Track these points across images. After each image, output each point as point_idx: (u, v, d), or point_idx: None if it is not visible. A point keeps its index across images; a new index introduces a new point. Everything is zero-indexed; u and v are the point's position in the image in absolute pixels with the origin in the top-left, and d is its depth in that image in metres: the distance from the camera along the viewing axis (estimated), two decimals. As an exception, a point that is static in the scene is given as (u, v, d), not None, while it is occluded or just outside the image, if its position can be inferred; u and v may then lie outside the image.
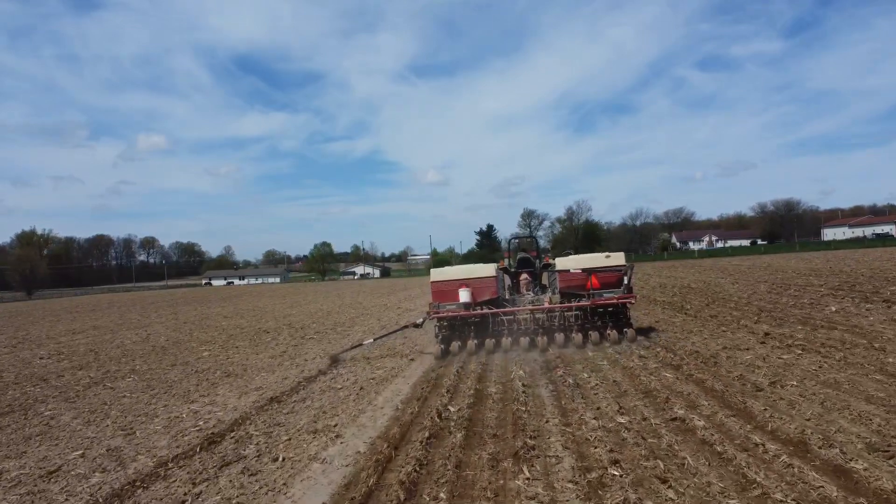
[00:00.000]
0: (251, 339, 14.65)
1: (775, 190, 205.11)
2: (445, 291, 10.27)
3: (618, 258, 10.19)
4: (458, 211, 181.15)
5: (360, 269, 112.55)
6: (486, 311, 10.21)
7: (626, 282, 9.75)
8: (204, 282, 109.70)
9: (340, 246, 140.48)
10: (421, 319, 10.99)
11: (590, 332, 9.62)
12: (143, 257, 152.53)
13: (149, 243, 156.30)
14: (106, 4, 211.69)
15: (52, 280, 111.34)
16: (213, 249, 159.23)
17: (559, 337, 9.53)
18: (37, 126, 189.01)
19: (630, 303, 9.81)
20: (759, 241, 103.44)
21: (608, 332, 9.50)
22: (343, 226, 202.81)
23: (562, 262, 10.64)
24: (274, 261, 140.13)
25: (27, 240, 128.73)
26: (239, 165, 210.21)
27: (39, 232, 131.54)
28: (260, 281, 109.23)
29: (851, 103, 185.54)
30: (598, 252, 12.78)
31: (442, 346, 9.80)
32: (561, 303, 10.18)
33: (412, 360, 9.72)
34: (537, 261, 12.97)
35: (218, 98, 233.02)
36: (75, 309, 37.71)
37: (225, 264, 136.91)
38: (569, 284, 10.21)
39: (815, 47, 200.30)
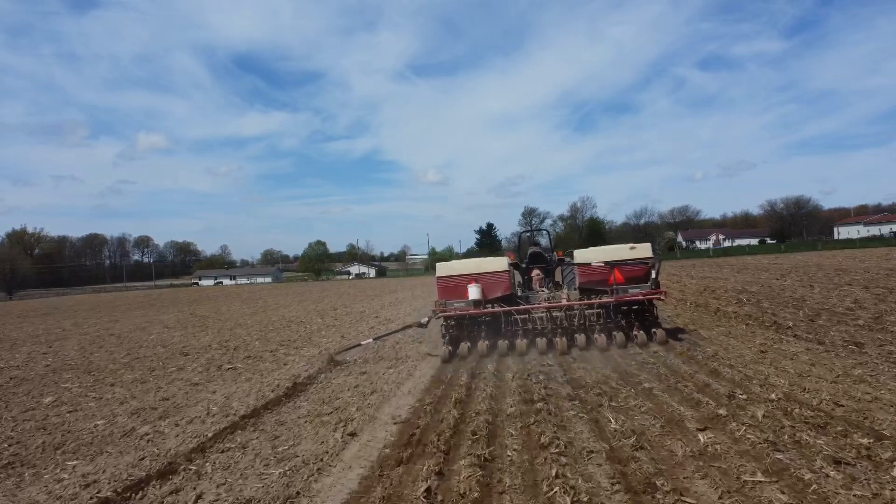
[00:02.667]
0: (152, 367, 10.20)
1: (776, 190, 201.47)
2: (453, 287, 9.37)
3: (644, 249, 9.19)
4: (458, 210, 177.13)
5: (354, 269, 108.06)
6: (498, 309, 9.18)
7: (653, 276, 8.68)
8: (192, 282, 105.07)
9: (339, 245, 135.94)
10: (426, 318, 9.75)
11: (614, 333, 8.63)
12: (136, 256, 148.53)
13: (143, 242, 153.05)
14: (105, 3, 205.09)
15: (41, 280, 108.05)
16: (210, 249, 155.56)
17: (580, 338, 8.61)
18: (36, 125, 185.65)
19: (660, 299, 8.83)
20: (769, 240, 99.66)
21: (635, 332, 8.61)
22: (343, 225, 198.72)
23: (581, 255, 9.63)
24: (272, 260, 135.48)
25: (17, 238, 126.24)
26: (239, 164, 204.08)
27: (30, 231, 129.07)
28: (248, 281, 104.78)
29: (853, 103, 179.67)
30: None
31: (449, 348, 8.89)
32: (580, 300, 9.25)
33: (352, 435, 5.23)
34: (550, 255, 11.94)
35: (218, 97, 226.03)
36: (30, 312, 33.39)
37: (216, 264, 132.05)
38: (589, 279, 9.27)
39: (816, 47, 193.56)
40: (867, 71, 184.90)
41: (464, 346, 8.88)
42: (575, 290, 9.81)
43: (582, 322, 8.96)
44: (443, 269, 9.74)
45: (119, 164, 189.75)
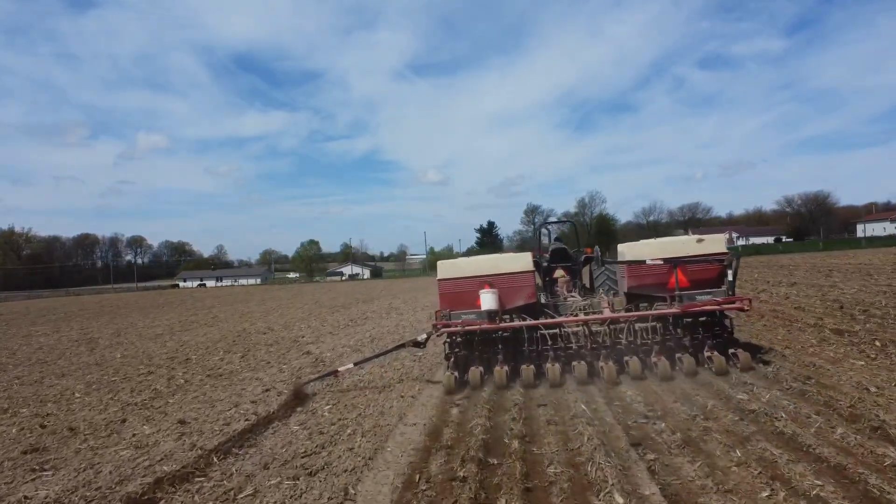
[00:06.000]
0: None
1: (775, 189, 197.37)
2: (460, 293, 7.31)
3: (715, 243, 7.06)
4: (458, 210, 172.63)
5: (347, 270, 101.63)
6: (521, 322, 7.11)
7: (729, 278, 6.65)
8: (171, 284, 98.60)
9: (337, 245, 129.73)
10: (424, 335, 7.39)
11: (679, 356, 6.54)
12: (129, 257, 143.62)
13: (136, 242, 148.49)
14: (103, 3, 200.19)
15: (31, 280, 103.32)
16: (208, 249, 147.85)
17: (633, 362, 6.43)
18: (36, 125, 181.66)
19: (742, 309, 6.48)
20: (784, 238, 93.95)
21: (707, 353, 6.48)
22: (342, 225, 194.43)
23: (631, 250, 7.52)
24: (269, 260, 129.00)
25: (5, 239, 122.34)
26: (238, 164, 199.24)
27: (18, 230, 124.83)
28: (231, 282, 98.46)
29: (853, 102, 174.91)
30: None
31: (455, 375, 6.72)
32: (629, 309, 7.26)
33: None
34: (576, 252, 10.00)
35: (217, 96, 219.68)
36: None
37: (204, 264, 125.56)
38: (642, 282, 7.22)
39: (816, 45, 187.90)
40: (868, 70, 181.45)
41: (475, 372, 6.70)
42: (614, 295, 8.06)
43: (632, 340, 6.84)
44: (447, 269, 7.52)
45: (119, 164, 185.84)
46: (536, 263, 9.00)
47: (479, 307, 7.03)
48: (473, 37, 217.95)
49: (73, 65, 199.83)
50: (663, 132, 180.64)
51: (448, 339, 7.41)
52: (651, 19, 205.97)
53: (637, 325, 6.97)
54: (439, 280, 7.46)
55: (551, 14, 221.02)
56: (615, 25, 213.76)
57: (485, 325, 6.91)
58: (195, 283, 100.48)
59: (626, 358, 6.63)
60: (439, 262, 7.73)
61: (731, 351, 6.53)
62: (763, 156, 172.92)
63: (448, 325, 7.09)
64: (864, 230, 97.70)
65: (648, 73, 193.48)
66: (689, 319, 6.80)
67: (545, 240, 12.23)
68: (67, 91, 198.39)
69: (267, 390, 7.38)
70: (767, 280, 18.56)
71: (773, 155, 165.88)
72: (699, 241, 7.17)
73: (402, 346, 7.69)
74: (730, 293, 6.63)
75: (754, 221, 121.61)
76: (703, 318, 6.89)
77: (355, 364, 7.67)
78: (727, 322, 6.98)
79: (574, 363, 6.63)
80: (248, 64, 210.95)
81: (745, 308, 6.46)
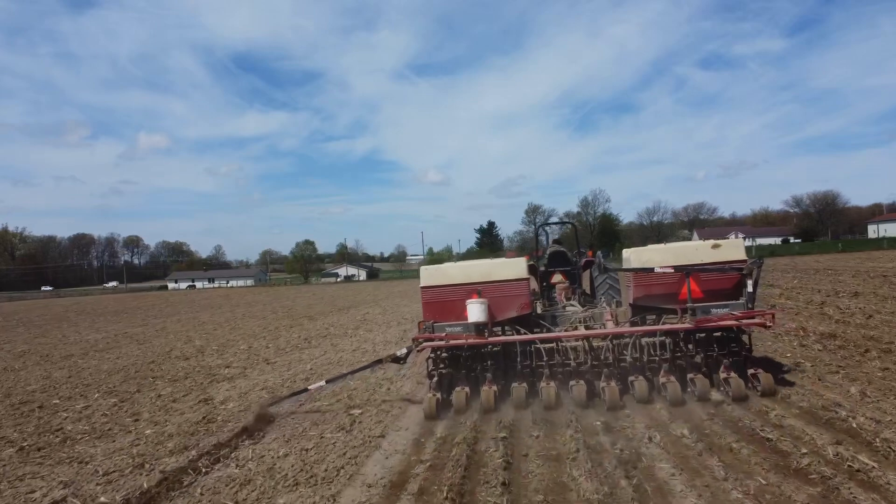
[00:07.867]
0: None
1: (777, 190, 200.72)
2: (445, 303, 6.74)
3: (733, 249, 6.53)
4: (459, 210, 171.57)
5: (343, 271, 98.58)
6: (513, 337, 6.58)
7: (749, 288, 6.00)
8: (160, 285, 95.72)
9: (335, 246, 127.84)
10: (404, 350, 6.85)
11: (691, 376, 5.95)
12: (126, 257, 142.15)
13: (133, 242, 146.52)
14: (102, 3, 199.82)
15: (25, 281, 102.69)
16: (206, 249, 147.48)
17: (639, 384, 5.89)
18: (36, 125, 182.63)
19: (764, 326, 5.93)
20: (792, 239, 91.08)
21: (724, 374, 5.83)
22: (343, 225, 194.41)
23: (639, 256, 6.83)
24: (267, 261, 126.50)
25: None
26: (239, 164, 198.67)
27: (12, 230, 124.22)
28: (220, 284, 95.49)
29: (854, 102, 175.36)
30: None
31: (437, 397, 6.07)
32: (634, 322, 6.68)
33: None
34: (575, 256, 9.57)
35: (217, 97, 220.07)
36: None
37: (196, 265, 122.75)
38: (650, 292, 6.59)
39: (818, 46, 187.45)
40: (869, 70, 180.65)
41: (460, 394, 6.10)
42: (618, 305, 7.55)
43: (637, 357, 6.27)
44: (431, 275, 6.86)
45: (119, 164, 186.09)
46: (533, 268, 8.30)
47: (465, 319, 6.41)
48: (473, 37, 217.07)
49: (73, 65, 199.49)
50: (664, 132, 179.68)
51: (431, 355, 6.72)
52: (652, 19, 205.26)
53: (644, 341, 6.37)
54: (422, 287, 6.87)
55: (551, 14, 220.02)
56: (615, 25, 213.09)
57: (472, 340, 6.30)
58: (185, 285, 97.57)
59: (630, 378, 6.10)
60: (422, 268, 7.10)
61: (750, 371, 5.99)
62: (764, 156, 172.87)
63: (431, 339, 6.44)
64: (876, 231, 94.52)
65: (649, 73, 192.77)
66: (703, 335, 6.32)
67: (544, 241, 11.48)
68: (67, 91, 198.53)
69: (58, 502, 4.20)
70: (818, 289, 15.36)
71: (774, 155, 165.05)
72: (715, 246, 6.59)
73: (380, 361, 7.07)
74: (749, 306, 6.05)
75: (760, 222, 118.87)
76: (719, 334, 6.38)
77: (327, 381, 7.16)
78: (747, 338, 6.45)
79: (572, 383, 6.09)
80: (248, 64, 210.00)
81: (768, 324, 5.86)
